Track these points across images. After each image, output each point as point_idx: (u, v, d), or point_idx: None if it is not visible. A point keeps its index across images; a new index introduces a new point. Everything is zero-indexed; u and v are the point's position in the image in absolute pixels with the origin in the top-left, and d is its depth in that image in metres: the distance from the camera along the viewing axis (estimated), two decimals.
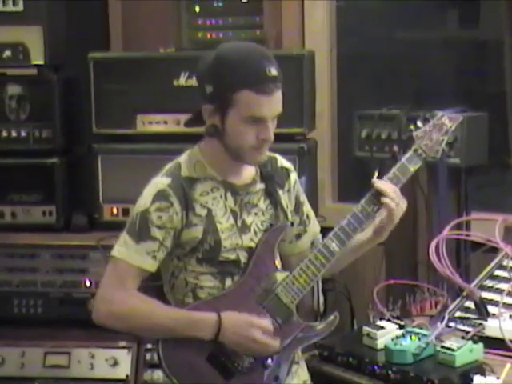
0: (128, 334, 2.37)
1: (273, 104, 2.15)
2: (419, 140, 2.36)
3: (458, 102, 3.18)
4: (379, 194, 2.28)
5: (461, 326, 2.58)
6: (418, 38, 3.84)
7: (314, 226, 2.43)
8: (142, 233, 2.16)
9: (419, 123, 2.37)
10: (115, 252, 2.18)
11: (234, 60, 2.13)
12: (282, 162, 2.38)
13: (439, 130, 2.37)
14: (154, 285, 2.27)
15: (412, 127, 2.39)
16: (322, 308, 2.85)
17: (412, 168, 2.34)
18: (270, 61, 2.15)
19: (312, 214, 2.44)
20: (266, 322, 2.19)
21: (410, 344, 2.40)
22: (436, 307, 2.83)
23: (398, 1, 3.92)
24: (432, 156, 2.37)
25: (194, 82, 3.20)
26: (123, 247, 2.17)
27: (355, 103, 3.70)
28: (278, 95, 2.16)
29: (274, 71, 2.13)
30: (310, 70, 3.34)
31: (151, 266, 2.18)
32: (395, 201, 2.27)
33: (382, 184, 2.29)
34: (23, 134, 3.39)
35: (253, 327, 2.15)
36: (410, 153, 2.35)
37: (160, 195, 2.17)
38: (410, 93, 3.81)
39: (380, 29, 3.87)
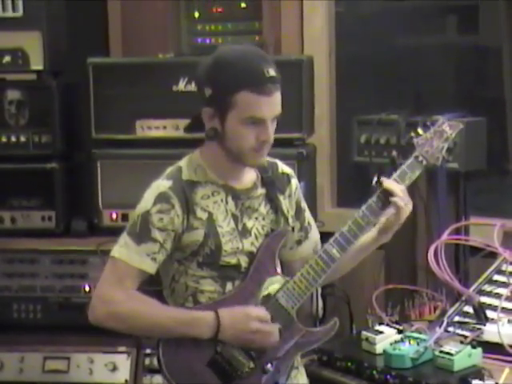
0: (126, 336, 2.36)
1: (272, 104, 2.15)
2: (420, 147, 2.36)
3: (456, 107, 3.18)
4: (386, 193, 2.28)
5: (459, 331, 2.59)
6: (417, 44, 3.84)
7: (315, 233, 2.44)
8: (142, 234, 2.17)
9: (420, 130, 2.37)
10: (115, 252, 2.19)
11: (232, 62, 2.14)
12: (283, 167, 2.38)
13: (440, 137, 2.38)
14: (154, 289, 2.27)
15: (413, 134, 2.39)
16: (321, 313, 2.86)
17: (413, 175, 2.34)
18: (267, 62, 2.15)
19: (313, 221, 2.44)
20: (263, 312, 2.19)
21: (408, 349, 2.40)
22: (435, 312, 2.84)
23: (398, 6, 3.92)
24: (432, 163, 2.38)
25: (193, 87, 3.21)
26: (123, 248, 2.17)
27: (354, 108, 3.70)
28: (277, 96, 2.17)
29: (272, 72, 2.14)
30: (308, 75, 3.34)
31: (151, 267, 2.18)
32: (404, 200, 2.28)
33: (390, 183, 2.29)
34: (23, 139, 3.39)
35: (250, 319, 2.16)
36: (410, 160, 2.36)
37: (161, 197, 2.18)
38: (408, 98, 3.82)
39: (379, 34, 3.88)
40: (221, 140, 2.19)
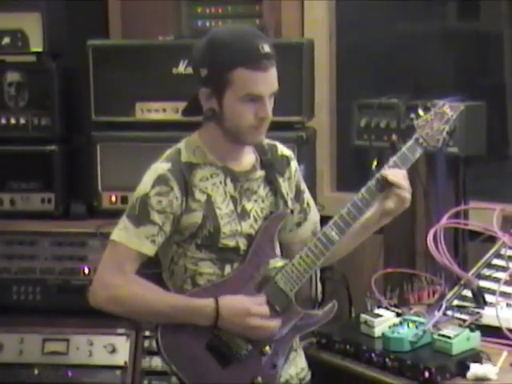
0: (125, 318, 2.37)
1: (268, 80, 2.15)
2: (420, 129, 2.35)
3: (457, 92, 3.17)
4: (385, 183, 2.27)
5: (458, 315, 2.59)
6: (418, 29, 3.83)
7: (315, 215, 2.43)
8: (141, 217, 2.17)
9: (420, 112, 2.36)
10: (114, 236, 2.19)
11: (226, 40, 2.13)
12: (283, 149, 2.38)
13: (440, 118, 2.37)
14: (153, 272, 2.27)
15: (413, 115, 2.38)
16: (320, 296, 2.86)
17: (413, 157, 2.34)
18: (262, 38, 2.15)
19: (312, 203, 2.44)
20: (263, 308, 2.18)
21: (407, 332, 2.40)
22: (433, 296, 2.84)
23: None
24: (433, 145, 2.37)
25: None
26: (122, 231, 2.18)
27: (354, 92, 3.69)
28: (273, 72, 2.16)
29: (266, 48, 2.13)
30: (309, 58, 3.33)
31: (150, 250, 2.18)
32: (409, 190, 2.28)
33: (392, 175, 2.27)
34: (22, 121, 3.39)
35: (249, 315, 2.16)
36: (410, 142, 2.34)
37: (160, 180, 2.17)
38: (409, 84, 3.81)
39: (380, 19, 3.86)
40: (219, 120, 2.19)
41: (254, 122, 2.17)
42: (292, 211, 2.35)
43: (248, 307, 2.17)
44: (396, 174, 2.28)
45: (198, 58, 2.19)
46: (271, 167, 2.30)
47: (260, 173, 2.29)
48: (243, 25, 2.26)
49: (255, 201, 2.27)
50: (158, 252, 2.23)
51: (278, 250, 2.29)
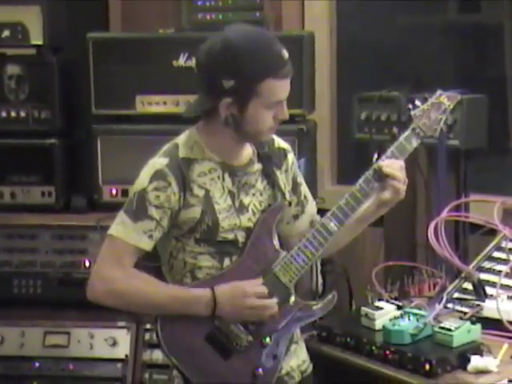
0: (125, 311, 2.37)
1: (288, 85, 2.17)
2: (417, 119, 2.35)
3: (458, 85, 3.17)
4: (381, 174, 2.27)
5: (459, 307, 2.60)
6: (419, 22, 3.82)
7: (312, 207, 2.43)
8: (139, 212, 2.16)
9: (418, 102, 2.36)
10: (112, 231, 2.19)
11: (251, 49, 2.10)
12: (280, 142, 2.38)
13: (437, 108, 2.37)
14: (152, 266, 2.27)
15: (410, 106, 2.38)
16: (320, 289, 2.86)
17: (410, 147, 2.33)
18: (279, 43, 2.15)
19: (309, 195, 2.43)
20: (260, 287, 2.19)
21: (407, 324, 2.41)
22: (434, 288, 2.84)
23: None
24: (430, 135, 2.37)
25: (193, 63, 3.18)
26: (120, 226, 2.18)
27: (355, 85, 3.69)
28: None
29: (286, 53, 2.14)
30: (309, 51, 3.33)
31: (147, 245, 2.18)
32: (404, 181, 2.27)
33: (387, 166, 2.27)
34: (22, 114, 3.38)
35: (247, 295, 2.16)
36: (408, 132, 2.34)
37: (158, 175, 2.17)
38: (410, 76, 3.80)
39: (380, 12, 3.86)
40: (237, 125, 2.17)
41: (273, 123, 2.19)
42: (290, 203, 2.35)
43: (245, 287, 2.17)
44: (391, 165, 2.28)
45: (219, 68, 2.12)
46: (268, 160, 2.30)
47: (257, 166, 2.29)
48: (258, 29, 2.21)
49: (253, 194, 2.27)
50: (157, 246, 2.23)
51: (276, 242, 2.29)
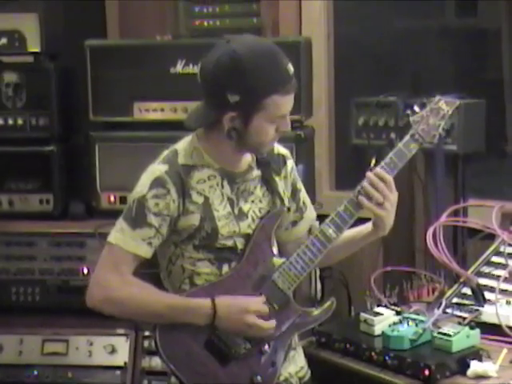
0: (123, 319, 2.37)
1: (292, 99, 2.17)
2: (416, 125, 2.35)
3: (455, 89, 3.17)
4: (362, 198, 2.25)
5: (458, 312, 2.60)
6: (416, 26, 3.83)
7: (311, 213, 2.43)
8: (138, 219, 2.16)
9: (416, 108, 2.36)
10: (111, 238, 2.19)
11: (259, 67, 2.09)
12: (279, 148, 2.37)
13: (436, 114, 2.37)
14: (150, 272, 2.27)
15: (409, 112, 2.38)
16: (319, 295, 2.86)
17: (409, 153, 2.33)
18: (285, 57, 2.14)
19: (308, 201, 2.43)
20: (261, 306, 2.18)
21: (407, 330, 2.41)
22: (433, 294, 2.84)
23: None
24: (429, 141, 2.36)
25: (190, 69, 3.20)
26: (119, 233, 2.17)
27: (352, 90, 3.69)
28: None
29: (291, 68, 2.14)
30: (306, 57, 3.33)
31: (146, 252, 2.18)
32: (386, 197, 2.23)
33: (371, 184, 2.24)
34: (20, 121, 3.38)
35: (247, 313, 2.16)
36: (406, 138, 2.34)
37: (157, 182, 2.17)
38: (407, 80, 3.81)
39: (378, 16, 3.86)
40: (240, 137, 2.17)
41: (276, 136, 2.20)
42: (289, 209, 2.35)
43: (245, 305, 2.16)
44: (376, 184, 2.24)
45: (223, 82, 2.10)
46: (267, 166, 2.30)
47: (256, 172, 2.29)
48: (264, 41, 2.20)
49: (252, 201, 2.27)
50: (156, 252, 2.23)
51: (275, 249, 2.29)
